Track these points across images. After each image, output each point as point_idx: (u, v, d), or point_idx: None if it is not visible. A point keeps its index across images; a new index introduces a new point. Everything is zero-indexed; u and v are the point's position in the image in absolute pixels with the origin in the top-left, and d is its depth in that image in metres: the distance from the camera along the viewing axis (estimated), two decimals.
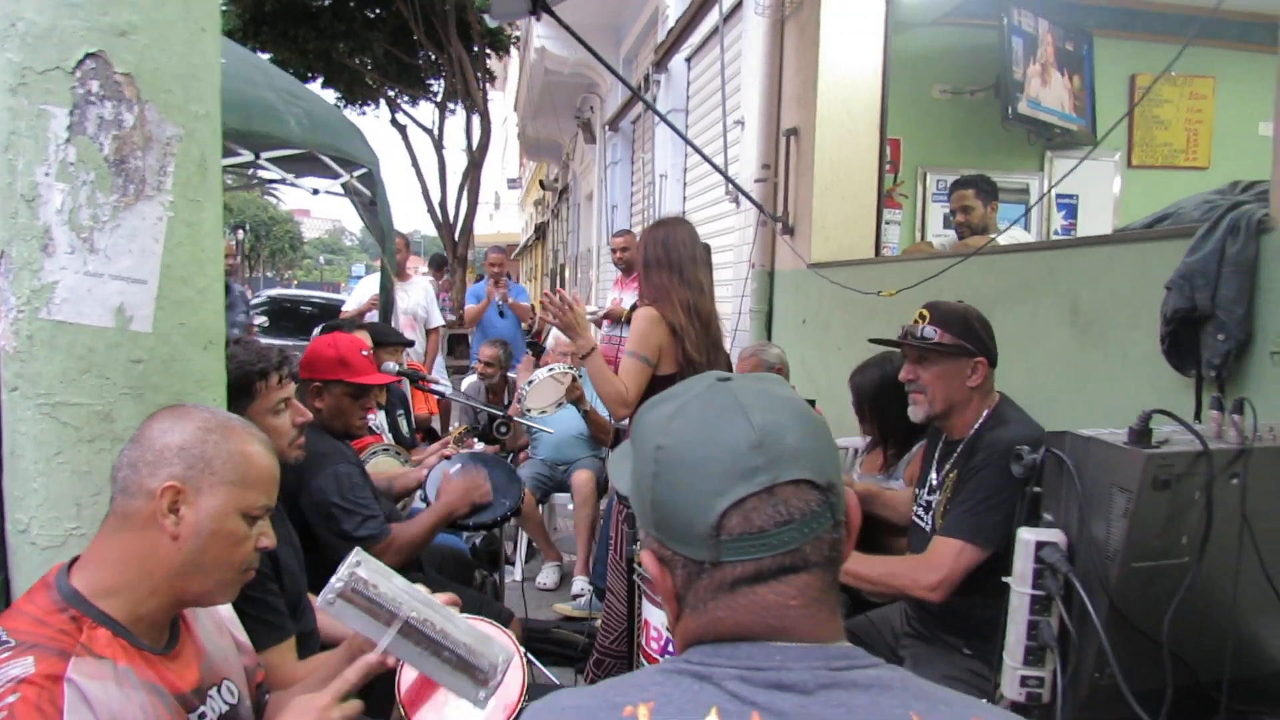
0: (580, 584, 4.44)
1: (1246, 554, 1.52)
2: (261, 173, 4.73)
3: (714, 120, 6.56)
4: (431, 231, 16.20)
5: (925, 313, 2.29)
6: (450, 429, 5.01)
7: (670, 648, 2.22)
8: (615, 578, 3.05)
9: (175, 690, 1.26)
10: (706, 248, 3.31)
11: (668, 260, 2.94)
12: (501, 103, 23.37)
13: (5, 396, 1.46)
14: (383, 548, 2.49)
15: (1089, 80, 5.73)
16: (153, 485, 1.24)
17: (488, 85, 13.17)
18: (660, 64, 8.42)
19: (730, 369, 3.40)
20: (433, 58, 12.57)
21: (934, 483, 2.34)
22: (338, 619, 1.35)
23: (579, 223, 16.33)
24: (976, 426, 2.25)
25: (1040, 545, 1.59)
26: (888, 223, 5.20)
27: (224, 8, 11.18)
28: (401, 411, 4.63)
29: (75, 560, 1.28)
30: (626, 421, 3.16)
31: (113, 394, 1.44)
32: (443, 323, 6.90)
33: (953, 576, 2.09)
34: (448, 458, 3.22)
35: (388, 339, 4.48)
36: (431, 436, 5.51)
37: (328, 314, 9.48)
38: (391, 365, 3.48)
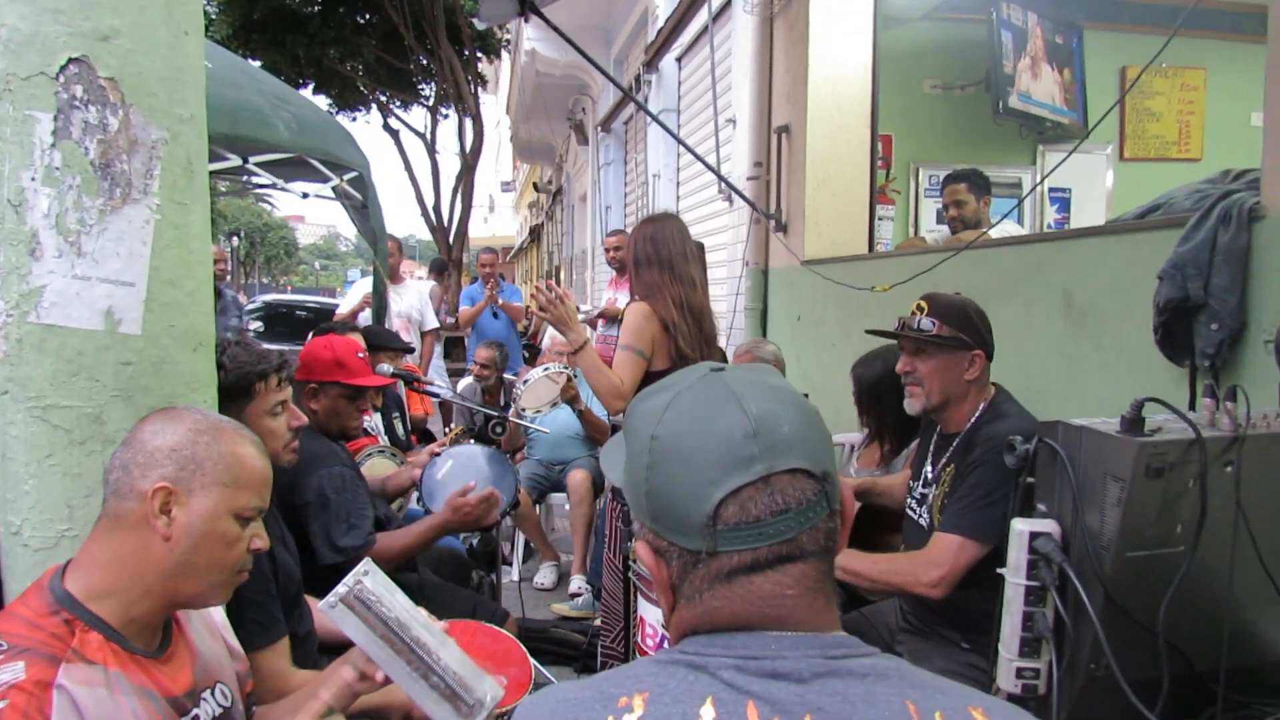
0: (577, 583, 4.44)
1: (1241, 542, 1.52)
2: (253, 178, 4.73)
3: (706, 119, 6.56)
4: (426, 236, 16.18)
5: (923, 304, 2.28)
6: (446, 431, 5.00)
7: (667, 645, 2.21)
8: (610, 576, 3.05)
9: (168, 693, 1.25)
10: (699, 244, 3.30)
11: (657, 257, 2.93)
12: (494, 106, 23.37)
13: None
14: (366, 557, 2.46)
15: (1079, 73, 5.73)
16: (144, 487, 1.24)
17: (479, 89, 13.17)
18: (651, 64, 8.42)
19: None
20: (424, 62, 12.56)
21: (929, 476, 2.34)
22: (336, 624, 1.35)
23: (573, 224, 16.33)
24: (973, 420, 2.24)
25: (1034, 536, 1.58)
26: (881, 219, 5.19)
27: (215, 15, 11.18)
28: (397, 414, 4.63)
29: (69, 563, 1.27)
30: (621, 417, 3.15)
31: (103, 396, 1.44)
32: (437, 325, 6.90)
33: (954, 573, 2.09)
34: (437, 454, 3.20)
35: (388, 344, 4.47)
36: (427, 438, 5.51)
37: (323, 318, 9.47)
38: (386, 367, 3.47)
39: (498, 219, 35.88)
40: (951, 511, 2.15)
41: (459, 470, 3.08)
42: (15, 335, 1.41)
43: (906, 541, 2.41)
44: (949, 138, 5.69)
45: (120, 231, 1.44)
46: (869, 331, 2.59)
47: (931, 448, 2.38)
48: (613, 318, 5.79)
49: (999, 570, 1.66)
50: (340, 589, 1.34)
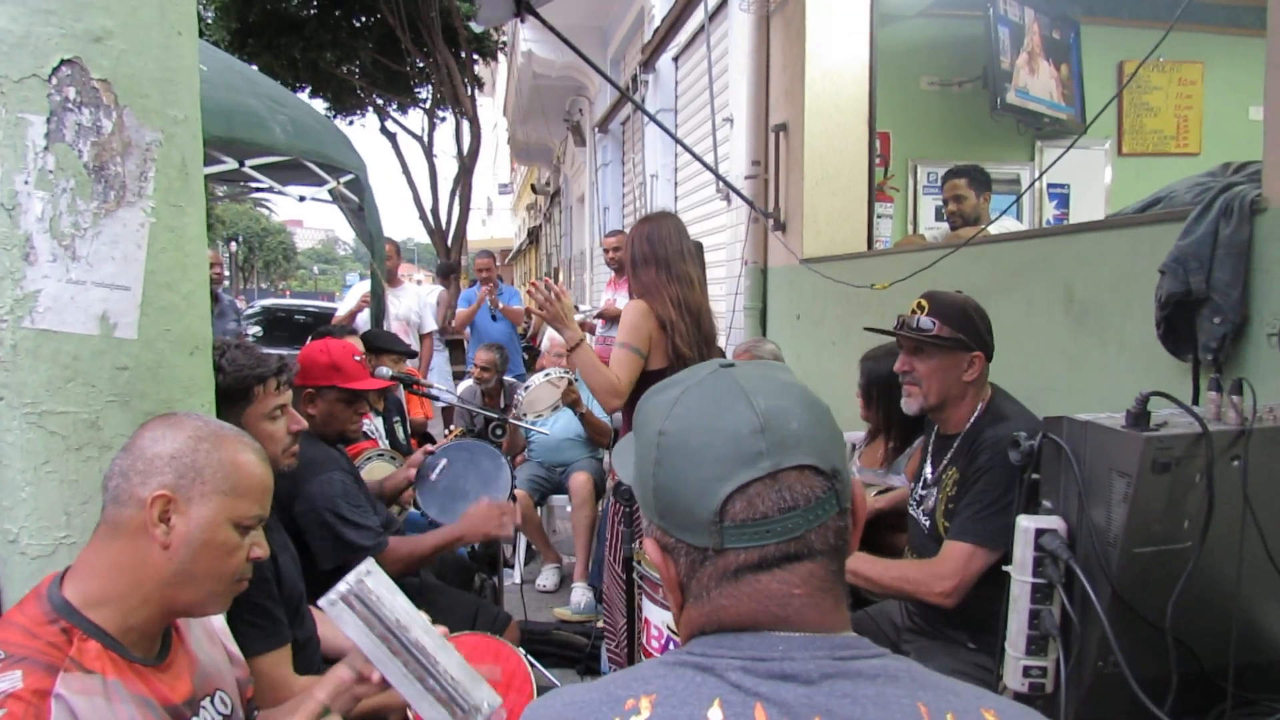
0: (579, 590, 4.42)
1: (1249, 537, 1.50)
2: (250, 181, 4.71)
3: (703, 118, 6.56)
4: (424, 239, 16.18)
5: (924, 303, 2.26)
6: (445, 433, 4.99)
7: (671, 647, 2.20)
8: (611, 580, 3.03)
9: (166, 702, 1.24)
10: (697, 243, 3.29)
11: (654, 256, 2.91)
12: (491, 108, 23.36)
13: None
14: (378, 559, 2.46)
15: (1077, 68, 5.72)
16: (143, 494, 1.23)
17: (476, 91, 13.16)
18: (648, 64, 8.41)
19: None
20: (420, 65, 12.56)
21: (928, 478, 2.32)
22: (335, 622, 1.34)
23: (571, 226, 16.34)
24: (971, 421, 2.22)
25: (1040, 533, 1.57)
26: (879, 216, 5.18)
27: (211, 20, 11.18)
28: (398, 418, 4.62)
29: (68, 570, 1.26)
30: (619, 417, 3.14)
31: (99, 402, 1.43)
32: (435, 328, 6.89)
33: (965, 582, 2.08)
34: (431, 453, 3.19)
35: (390, 347, 4.46)
36: (427, 442, 5.49)
37: (321, 323, 9.46)
38: (385, 370, 3.45)
39: (496, 221, 35.91)
40: (961, 519, 2.13)
41: (453, 469, 3.07)
42: (10, 341, 1.39)
43: (911, 544, 2.40)
44: (947, 134, 5.68)
45: (115, 235, 1.43)
46: (868, 329, 2.57)
47: (930, 449, 2.37)
48: (612, 318, 5.79)
49: (1005, 568, 1.64)
50: (341, 586, 1.33)
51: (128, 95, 1.43)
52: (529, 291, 2.82)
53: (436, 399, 4.49)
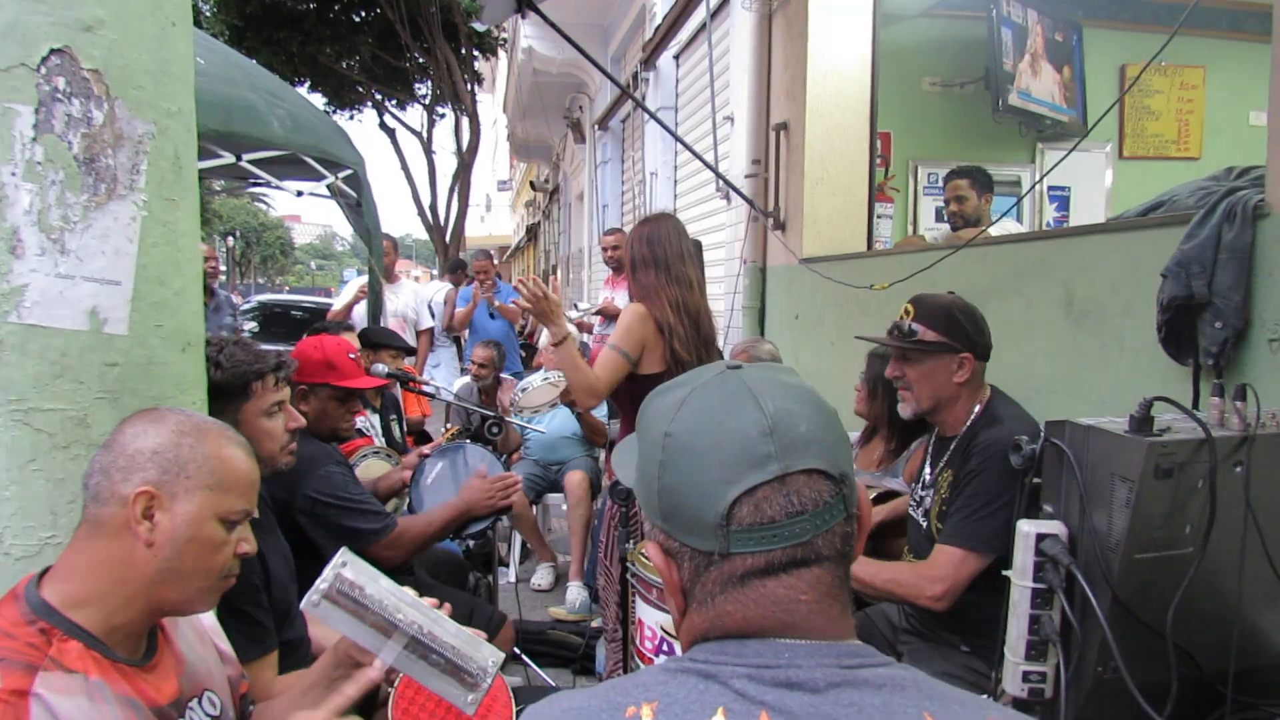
0: (575, 590, 4.40)
1: (1251, 543, 1.49)
2: (249, 177, 4.69)
3: (703, 117, 6.54)
4: (422, 235, 16.16)
5: (910, 308, 2.25)
6: (443, 431, 4.97)
7: (665, 648, 2.18)
8: (607, 582, 3.02)
9: (152, 703, 1.21)
10: (697, 243, 3.27)
11: (653, 258, 2.89)
12: (490, 105, 23.35)
13: None
14: (389, 542, 2.44)
15: (1079, 71, 5.71)
16: (125, 491, 1.20)
17: (476, 87, 13.14)
18: (648, 62, 8.39)
19: None
20: (420, 60, 12.54)
21: (927, 479, 2.32)
22: (324, 621, 1.32)
23: (570, 223, 16.32)
24: (969, 423, 2.21)
25: (1041, 537, 1.56)
26: (879, 217, 5.17)
27: (210, 15, 11.15)
28: (394, 415, 4.60)
29: (46, 571, 1.23)
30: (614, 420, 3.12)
31: (87, 399, 1.41)
32: (433, 324, 6.87)
33: (957, 586, 2.07)
34: (426, 455, 3.17)
35: (389, 343, 4.44)
36: (425, 440, 5.47)
37: (318, 319, 9.43)
38: (381, 368, 3.43)
39: (494, 218, 35.89)
40: (952, 523, 2.12)
41: (448, 473, 3.05)
42: None
43: (910, 545, 2.39)
44: (948, 135, 5.67)
45: (105, 228, 1.40)
46: (860, 337, 2.57)
47: (930, 450, 2.36)
48: (611, 316, 5.77)
49: (1004, 573, 1.63)
50: (320, 584, 1.30)
51: (120, 86, 1.40)
52: (516, 287, 2.80)
53: (433, 397, 4.47)
